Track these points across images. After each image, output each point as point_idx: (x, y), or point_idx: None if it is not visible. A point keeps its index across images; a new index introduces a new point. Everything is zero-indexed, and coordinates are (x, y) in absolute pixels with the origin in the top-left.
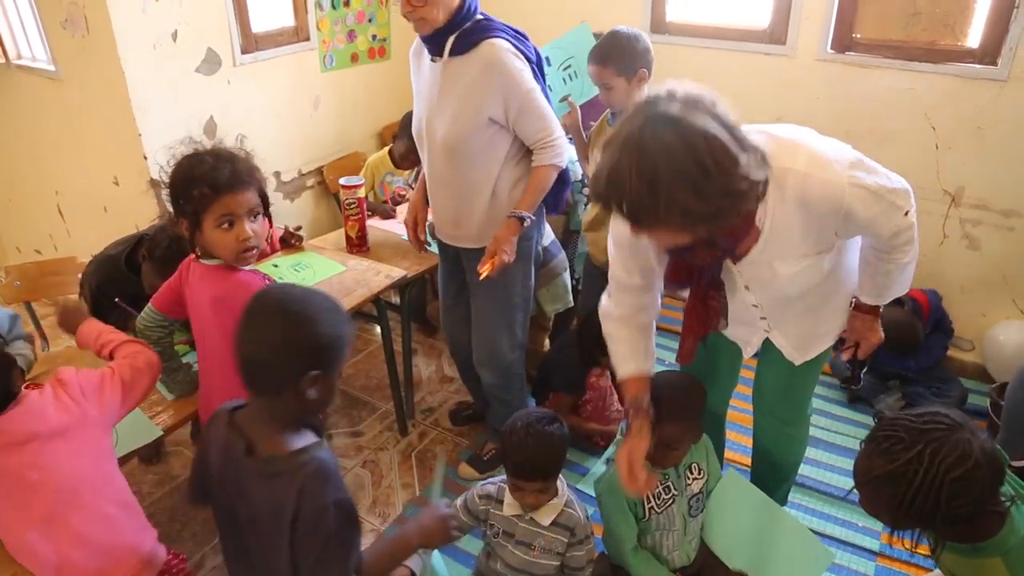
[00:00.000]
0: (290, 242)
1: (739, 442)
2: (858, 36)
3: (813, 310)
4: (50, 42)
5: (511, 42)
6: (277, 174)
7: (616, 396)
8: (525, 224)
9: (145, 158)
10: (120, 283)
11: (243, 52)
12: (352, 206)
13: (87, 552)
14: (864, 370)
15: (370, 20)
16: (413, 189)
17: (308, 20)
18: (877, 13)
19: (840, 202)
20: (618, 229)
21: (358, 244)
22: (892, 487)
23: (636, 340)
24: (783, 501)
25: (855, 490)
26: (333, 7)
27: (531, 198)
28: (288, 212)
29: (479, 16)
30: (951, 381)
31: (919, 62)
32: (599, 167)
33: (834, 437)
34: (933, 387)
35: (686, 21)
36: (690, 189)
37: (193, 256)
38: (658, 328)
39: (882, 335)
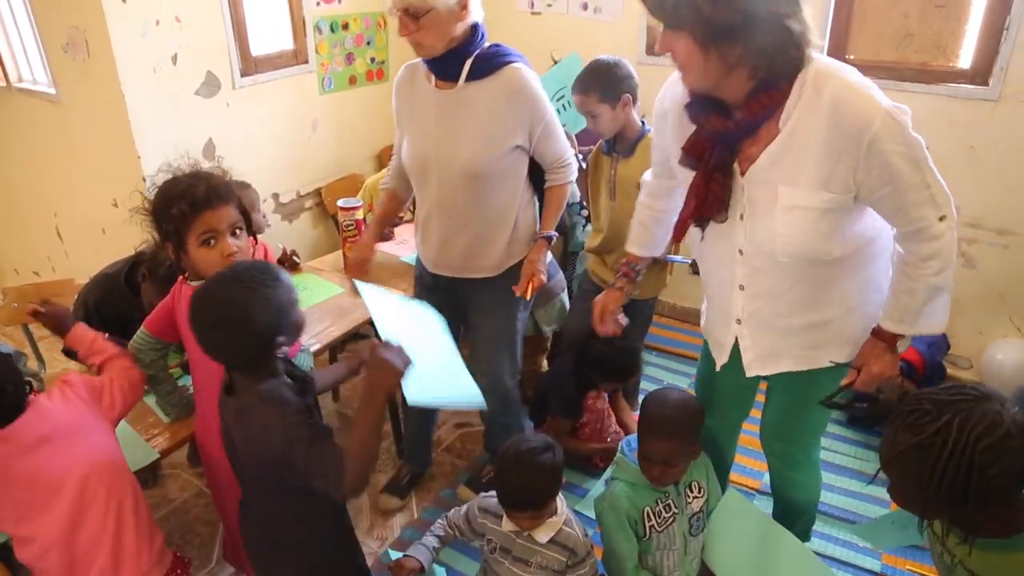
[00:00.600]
0: (285, 265)
1: (749, 466)
2: (851, 57)
3: (797, 312)
4: (51, 65)
5: (527, 64)
6: (275, 196)
7: (613, 417)
8: (552, 243)
9: (144, 180)
10: (118, 301)
11: (242, 75)
12: (350, 228)
13: (104, 548)
14: (858, 402)
15: (368, 43)
16: (412, 212)
17: (307, 43)
18: (870, 35)
19: (870, 124)
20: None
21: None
22: (921, 461)
23: (645, 230)
24: (803, 537)
25: (881, 472)
26: (332, 30)
27: (554, 217)
28: (286, 233)
29: (490, 44)
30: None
31: (912, 83)
32: None
33: (832, 456)
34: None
35: None
36: None
37: (182, 278)
38: (667, 352)
39: (893, 370)
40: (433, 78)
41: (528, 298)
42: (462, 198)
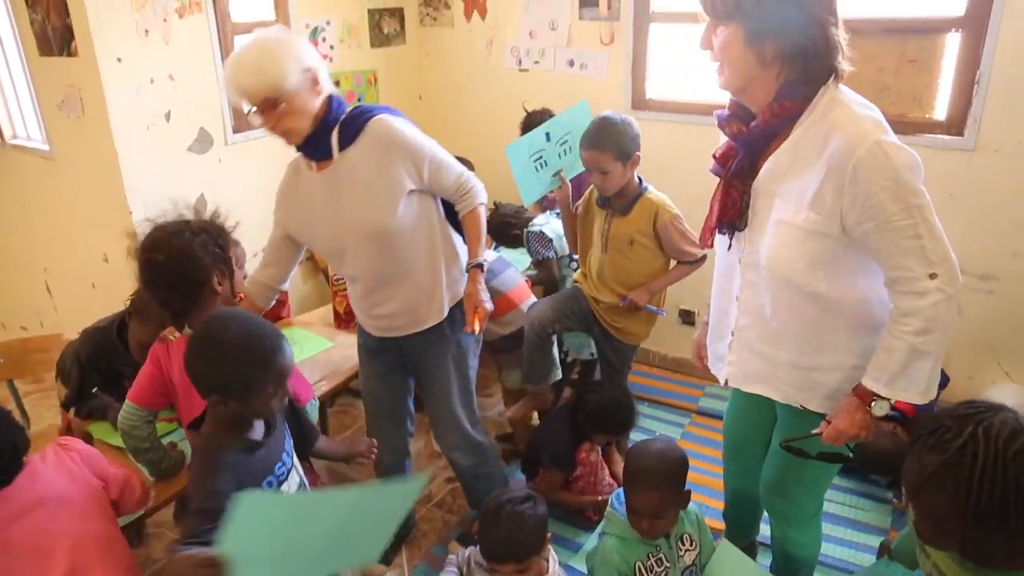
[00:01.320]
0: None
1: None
2: None
3: (780, 345)
4: (46, 122)
5: (391, 112)
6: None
7: (607, 470)
8: (486, 268)
9: (135, 235)
10: (110, 355)
11: (235, 131)
12: (340, 282)
13: None
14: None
15: (359, 99)
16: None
17: None
18: (848, 87)
19: (855, 150)
20: None
21: (346, 320)
22: (954, 479)
23: None
24: None
25: (909, 506)
26: None
27: (478, 242)
28: None
29: (349, 107)
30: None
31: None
32: None
33: (826, 506)
34: None
35: (665, 98)
36: None
37: (166, 341)
38: (659, 402)
39: (855, 430)
40: (314, 164)
41: (477, 332)
42: (381, 262)
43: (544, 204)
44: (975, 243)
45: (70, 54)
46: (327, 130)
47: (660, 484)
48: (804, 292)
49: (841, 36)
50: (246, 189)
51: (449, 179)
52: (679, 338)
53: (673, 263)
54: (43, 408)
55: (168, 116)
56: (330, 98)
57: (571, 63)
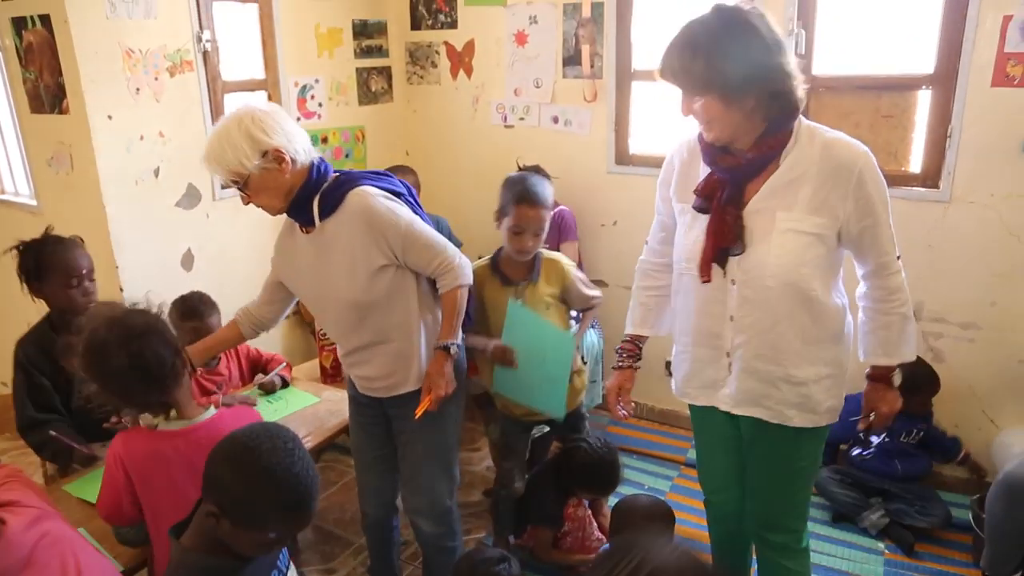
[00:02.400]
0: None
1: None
2: None
3: (777, 359)
4: (34, 178)
5: (375, 184)
6: None
7: (595, 524)
8: (452, 352)
9: (121, 290)
10: (47, 346)
11: (223, 187)
12: (326, 336)
13: None
14: (872, 437)
15: (347, 155)
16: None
17: None
18: None
19: (858, 160)
20: (657, 192)
21: (332, 374)
22: None
23: (647, 311)
24: None
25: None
26: (311, 144)
27: (448, 324)
28: (263, 341)
29: (335, 174)
30: (933, 499)
31: None
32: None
33: (817, 558)
34: (916, 505)
35: (647, 153)
36: (724, 55)
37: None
38: (647, 454)
39: (897, 404)
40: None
41: (418, 415)
42: (358, 329)
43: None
44: (955, 293)
45: (61, 112)
46: (308, 199)
47: None
48: (806, 297)
49: (794, 66)
50: (233, 245)
51: (423, 257)
52: (666, 390)
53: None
54: (21, 466)
55: (157, 172)
56: (312, 166)
57: (555, 119)
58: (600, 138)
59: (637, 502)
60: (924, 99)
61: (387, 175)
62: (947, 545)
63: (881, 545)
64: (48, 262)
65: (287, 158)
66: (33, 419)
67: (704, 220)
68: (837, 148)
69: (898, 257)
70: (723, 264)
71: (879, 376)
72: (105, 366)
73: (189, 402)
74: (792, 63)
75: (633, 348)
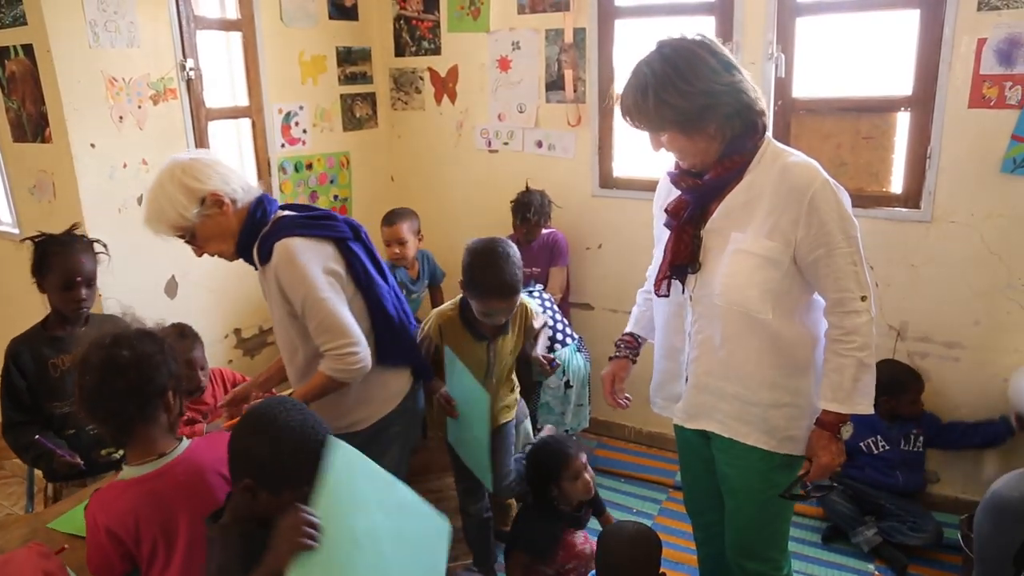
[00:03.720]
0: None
1: None
2: None
3: (726, 377)
4: (16, 206)
5: (305, 235)
6: (237, 331)
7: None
8: None
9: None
10: (35, 344)
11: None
12: None
13: None
14: (808, 488)
15: (332, 181)
16: None
17: (272, 182)
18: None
19: (811, 184)
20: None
21: None
22: None
23: (643, 315)
24: None
25: None
26: (296, 170)
27: (302, 391)
28: (248, 368)
29: (276, 215)
30: (925, 516)
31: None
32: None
33: None
34: (909, 522)
35: (632, 176)
36: (673, 91)
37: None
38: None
39: (840, 459)
40: None
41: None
42: (290, 367)
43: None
44: (939, 312)
45: (44, 140)
46: (249, 244)
47: (637, 570)
48: (753, 320)
49: (748, 81)
50: (216, 271)
51: (315, 332)
52: (654, 413)
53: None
54: (1, 497)
55: (140, 200)
56: (252, 210)
57: (539, 144)
58: (584, 162)
59: (623, 530)
60: (903, 120)
61: (328, 219)
62: (937, 566)
63: (871, 567)
64: (51, 260)
65: (226, 200)
66: (11, 420)
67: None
68: (793, 172)
69: (863, 298)
70: (683, 280)
71: (826, 423)
72: (81, 380)
73: (162, 436)
74: (745, 79)
75: (632, 341)
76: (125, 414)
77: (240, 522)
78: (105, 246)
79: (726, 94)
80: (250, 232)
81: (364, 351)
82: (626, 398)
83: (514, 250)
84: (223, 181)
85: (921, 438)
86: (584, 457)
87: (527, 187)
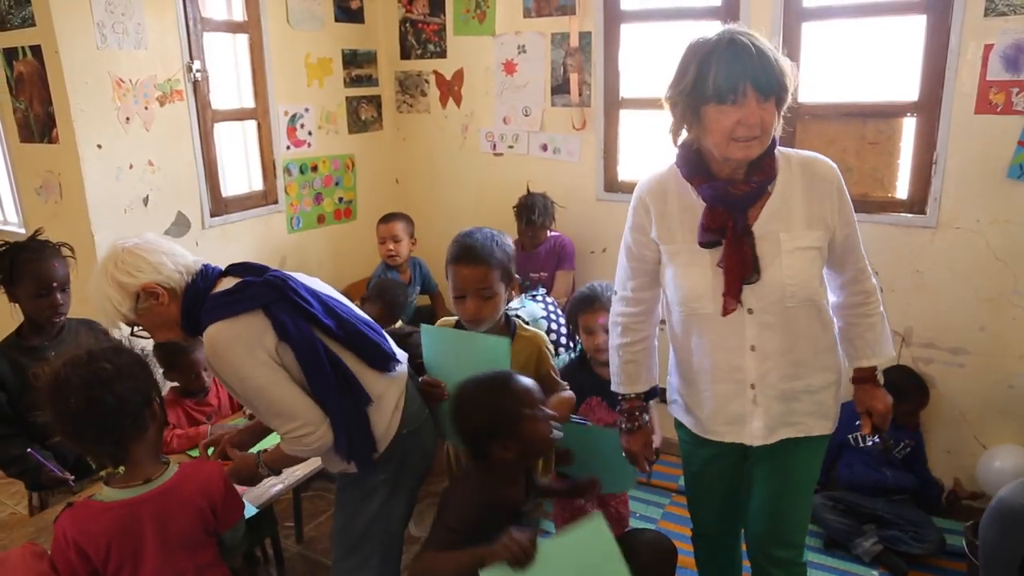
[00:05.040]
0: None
1: None
2: None
3: (798, 374)
4: (23, 207)
5: (228, 315)
6: None
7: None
8: (260, 469)
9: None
10: (13, 355)
11: (212, 215)
12: None
13: None
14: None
15: (337, 183)
16: None
17: (277, 184)
18: None
19: (835, 173)
20: (628, 239)
21: None
22: None
23: (637, 367)
24: None
25: None
26: (301, 172)
27: (270, 457)
28: None
29: (216, 287)
30: (927, 525)
31: (856, 212)
32: (722, 70)
33: None
34: (910, 531)
35: (635, 180)
36: (784, 61)
37: (77, 522)
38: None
39: (889, 400)
40: None
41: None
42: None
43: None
44: (944, 318)
45: (51, 141)
46: (195, 327)
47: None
48: (816, 308)
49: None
50: None
51: (261, 416)
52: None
53: None
54: (5, 496)
55: (146, 200)
56: (187, 288)
57: (544, 147)
58: (589, 166)
59: (642, 537)
60: (909, 126)
61: (247, 287)
62: (941, 572)
63: (875, 573)
64: (22, 268)
65: (160, 291)
66: None
67: (706, 255)
68: (816, 165)
69: (869, 266)
70: (737, 295)
71: (867, 377)
72: (63, 405)
73: (149, 458)
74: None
75: (644, 405)
76: (118, 430)
77: (496, 480)
78: (72, 250)
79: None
80: (191, 316)
81: (320, 429)
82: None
83: (503, 238)
84: (157, 270)
85: (908, 449)
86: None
87: (528, 190)
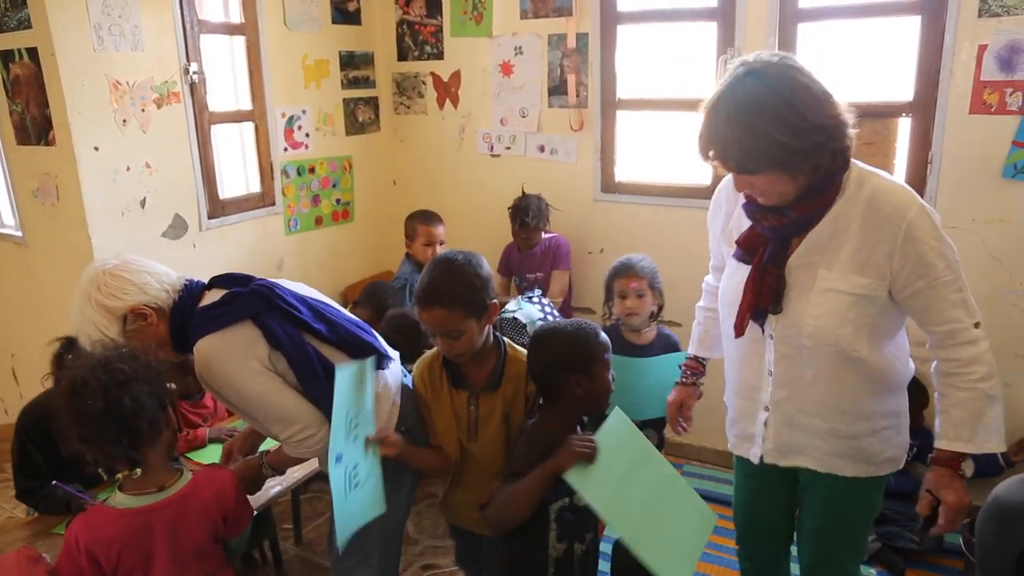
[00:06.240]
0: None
1: None
2: None
3: (820, 414)
4: (20, 209)
5: (217, 327)
6: None
7: None
8: (264, 470)
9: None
10: (48, 424)
11: (209, 217)
12: None
13: None
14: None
15: (334, 185)
16: None
17: (274, 186)
18: None
19: (907, 212)
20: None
21: None
22: None
23: (706, 333)
24: None
25: None
26: (299, 174)
27: (273, 459)
28: None
29: (202, 301)
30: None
31: None
32: (699, 134)
33: None
34: (909, 525)
35: (634, 181)
36: (786, 128)
37: (89, 527)
38: None
39: (967, 499)
40: None
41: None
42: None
43: (519, 287)
44: None
45: (48, 143)
46: (185, 344)
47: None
48: (847, 358)
49: (844, 111)
50: (219, 272)
51: (260, 424)
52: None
53: None
54: (3, 499)
55: (143, 203)
56: (173, 306)
57: (542, 148)
58: (586, 166)
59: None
60: (904, 126)
61: (234, 298)
62: (938, 570)
63: (873, 572)
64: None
65: (148, 311)
66: (27, 488)
67: (745, 271)
68: (885, 199)
69: (976, 324)
70: (760, 321)
71: (945, 461)
72: (81, 407)
73: (163, 465)
74: (842, 108)
75: (697, 366)
76: (135, 432)
77: (567, 419)
78: None
79: (836, 129)
80: (180, 333)
81: (321, 430)
82: (690, 422)
83: (475, 267)
84: (142, 290)
85: (915, 450)
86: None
87: (523, 191)
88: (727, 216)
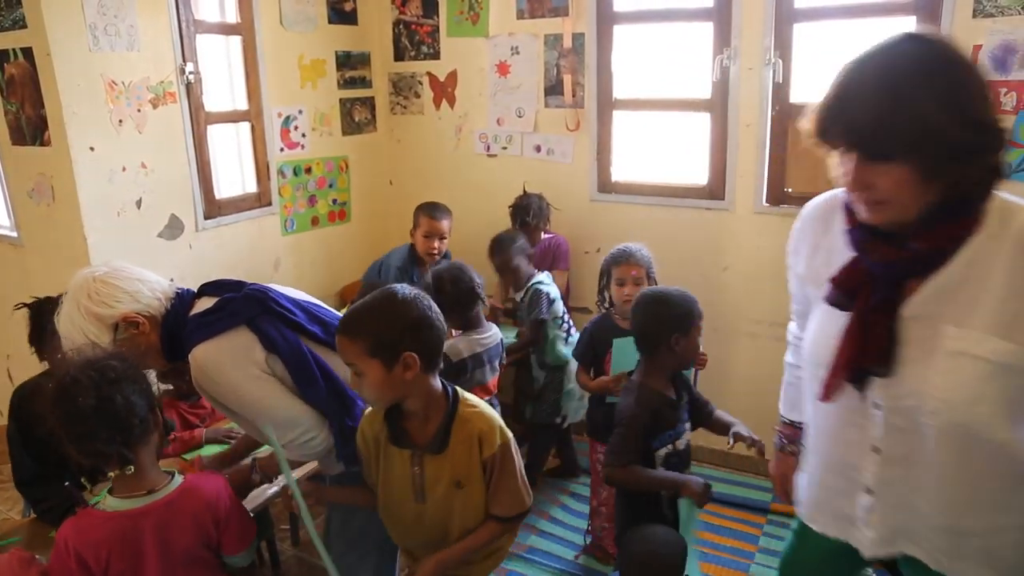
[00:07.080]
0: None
1: None
2: (790, 190)
3: (939, 505)
4: (15, 210)
5: (212, 334)
6: None
7: None
8: (255, 476)
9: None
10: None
11: (206, 218)
12: None
13: None
14: None
15: (331, 185)
16: None
17: (270, 186)
18: (804, 170)
19: None
20: (793, 265)
21: None
22: None
23: (795, 389)
24: None
25: None
26: (295, 174)
27: (267, 460)
28: None
29: (194, 308)
30: None
31: None
32: (821, 104)
33: None
34: None
35: (631, 180)
36: (954, 111)
37: (79, 530)
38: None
39: None
40: None
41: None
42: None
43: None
44: None
45: (43, 143)
46: (177, 353)
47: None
48: (985, 440)
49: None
50: (216, 275)
51: (263, 429)
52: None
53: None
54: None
55: (139, 203)
56: (165, 314)
57: (538, 148)
58: (583, 166)
59: (651, 533)
60: None
61: (229, 304)
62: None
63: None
64: (53, 327)
65: (140, 320)
66: (33, 471)
67: (842, 319)
68: None
69: None
70: (860, 385)
71: None
72: (72, 406)
73: (153, 467)
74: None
75: (793, 432)
76: (127, 430)
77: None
78: None
79: (996, 136)
80: (172, 342)
81: (322, 432)
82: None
83: (418, 310)
84: (134, 298)
85: None
86: None
87: (524, 191)
88: (813, 249)
